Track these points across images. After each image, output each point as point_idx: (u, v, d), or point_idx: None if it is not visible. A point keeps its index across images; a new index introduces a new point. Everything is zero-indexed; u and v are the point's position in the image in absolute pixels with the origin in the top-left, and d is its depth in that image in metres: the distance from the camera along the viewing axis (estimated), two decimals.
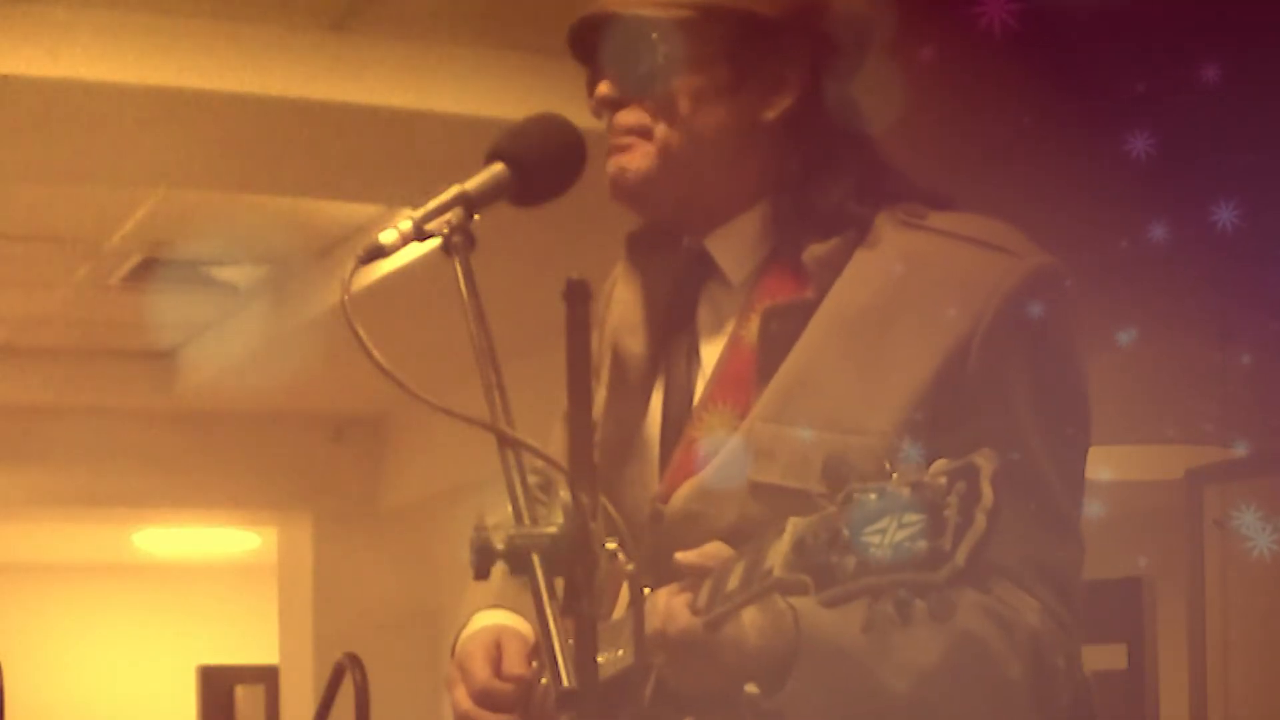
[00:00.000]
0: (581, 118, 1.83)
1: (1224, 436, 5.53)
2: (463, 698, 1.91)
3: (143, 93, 4.39)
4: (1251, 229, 4.33)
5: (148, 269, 6.58)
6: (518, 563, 1.51)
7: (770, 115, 1.88)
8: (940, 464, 1.45)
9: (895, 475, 1.47)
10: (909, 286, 1.83)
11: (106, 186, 5.58)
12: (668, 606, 1.69)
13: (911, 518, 1.44)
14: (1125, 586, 4.74)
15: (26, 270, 6.59)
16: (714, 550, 1.71)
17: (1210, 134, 4.12)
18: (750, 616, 1.68)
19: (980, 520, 1.40)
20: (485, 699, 1.89)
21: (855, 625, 1.61)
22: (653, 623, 1.70)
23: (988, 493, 1.41)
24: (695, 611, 1.67)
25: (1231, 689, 5.27)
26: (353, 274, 1.61)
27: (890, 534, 1.45)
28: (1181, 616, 5.40)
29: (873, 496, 1.48)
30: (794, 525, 1.57)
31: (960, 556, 1.40)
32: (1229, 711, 5.26)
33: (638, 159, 1.89)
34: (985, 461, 1.42)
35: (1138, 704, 4.64)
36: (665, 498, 1.89)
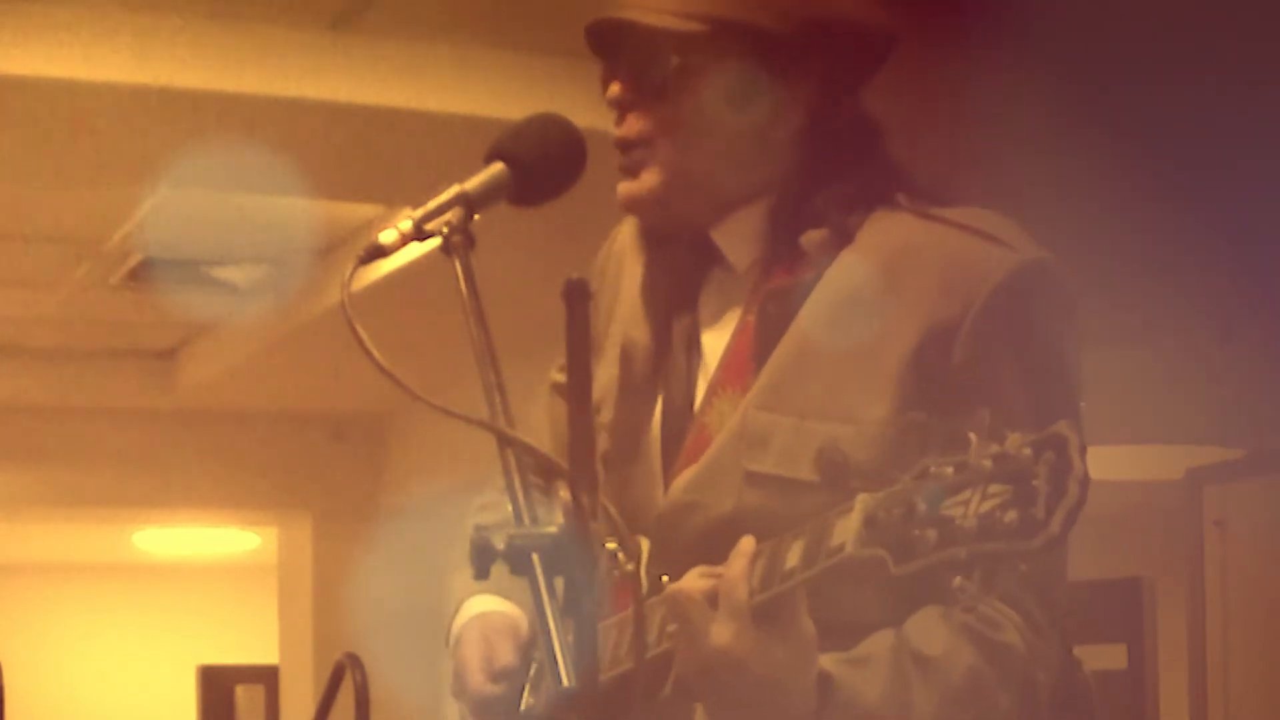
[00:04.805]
0: (581, 118, 1.83)
1: (1224, 436, 5.52)
2: (468, 712, 1.95)
3: (143, 93, 4.38)
4: (1252, 228, 4.32)
5: (148, 269, 6.57)
6: (518, 563, 1.51)
7: (779, 133, 1.88)
8: (1018, 437, 1.44)
9: (973, 448, 1.46)
10: (900, 272, 1.83)
11: (106, 186, 5.58)
12: (729, 581, 1.67)
13: (996, 489, 1.43)
14: (1125, 586, 4.74)
15: (26, 270, 6.58)
16: (747, 547, 1.71)
17: (1211, 134, 4.12)
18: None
19: (1074, 489, 1.40)
20: (483, 708, 1.91)
21: (877, 685, 1.65)
22: (689, 608, 1.69)
23: (1079, 463, 1.40)
24: (750, 593, 1.67)
25: (1231, 689, 5.27)
26: (353, 274, 1.62)
27: (975, 505, 1.44)
28: (1181, 616, 5.39)
29: (949, 470, 1.47)
30: (863, 501, 1.56)
31: (1055, 524, 1.40)
32: (1229, 711, 5.26)
33: (644, 183, 1.90)
34: (1071, 432, 1.42)
35: (1138, 704, 4.64)
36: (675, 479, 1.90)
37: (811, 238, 1.86)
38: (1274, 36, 3.72)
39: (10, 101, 4.38)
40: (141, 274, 6.63)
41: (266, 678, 8.86)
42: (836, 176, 1.89)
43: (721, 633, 1.66)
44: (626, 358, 1.98)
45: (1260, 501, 5.26)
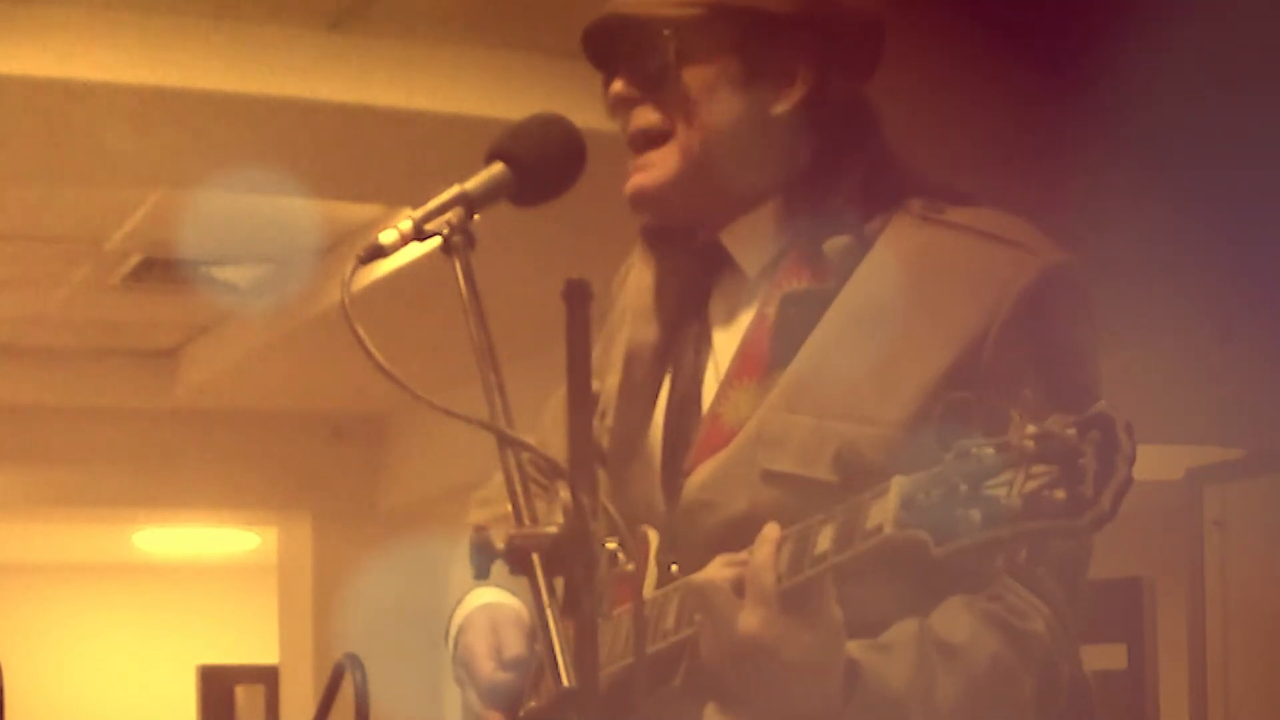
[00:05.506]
0: (581, 118, 1.83)
1: (1224, 436, 5.52)
2: (475, 700, 1.94)
3: (143, 93, 4.38)
4: (1252, 228, 4.32)
5: (148, 269, 6.57)
6: (517, 563, 1.51)
7: (781, 108, 1.89)
8: (1058, 418, 1.43)
9: (1013, 427, 1.45)
10: (925, 281, 1.84)
11: (106, 186, 5.58)
12: (754, 568, 1.66)
13: (1039, 469, 1.42)
14: (1125, 586, 4.73)
15: (26, 270, 6.58)
16: (772, 533, 1.70)
17: (1211, 134, 4.12)
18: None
19: (1123, 468, 1.39)
20: (493, 695, 1.91)
21: (902, 671, 1.64)
22: (715, 598, 1.68)
23: (1126, 441, 1.40)
24: (777, 578, 1.66)
25: (1231, 689, 5.27)
26: (353, 274, 1.62)
27: (1018, 485, 1.43)
28: (1181, 616, 5.39)
29: (990, 451, 1.46)
30: (899, 483, 1.55)
31: (1105, 501, 1.39)
32: (1229, 711, 5.26)
33: (656, 171, 1.91)
34: (1114, 412, 1.41)
35: (1138, 704, 4.63)
36: (690, 472, 1.90)
37: (834, 245, 1.86)
38: (1273, 37, 3.72)
39: (10, 101, 4.38)
40: (141, 274, 6.63)
41: (266, 678, 8.85)
42: (842, 169, 1.89)
43: (749, 620, 1.65)
44: (630, 359, 1.99)
45: (1260, 501, 5.26)
